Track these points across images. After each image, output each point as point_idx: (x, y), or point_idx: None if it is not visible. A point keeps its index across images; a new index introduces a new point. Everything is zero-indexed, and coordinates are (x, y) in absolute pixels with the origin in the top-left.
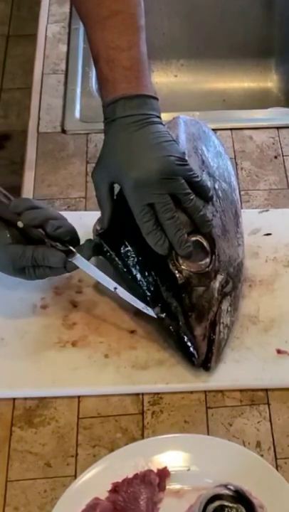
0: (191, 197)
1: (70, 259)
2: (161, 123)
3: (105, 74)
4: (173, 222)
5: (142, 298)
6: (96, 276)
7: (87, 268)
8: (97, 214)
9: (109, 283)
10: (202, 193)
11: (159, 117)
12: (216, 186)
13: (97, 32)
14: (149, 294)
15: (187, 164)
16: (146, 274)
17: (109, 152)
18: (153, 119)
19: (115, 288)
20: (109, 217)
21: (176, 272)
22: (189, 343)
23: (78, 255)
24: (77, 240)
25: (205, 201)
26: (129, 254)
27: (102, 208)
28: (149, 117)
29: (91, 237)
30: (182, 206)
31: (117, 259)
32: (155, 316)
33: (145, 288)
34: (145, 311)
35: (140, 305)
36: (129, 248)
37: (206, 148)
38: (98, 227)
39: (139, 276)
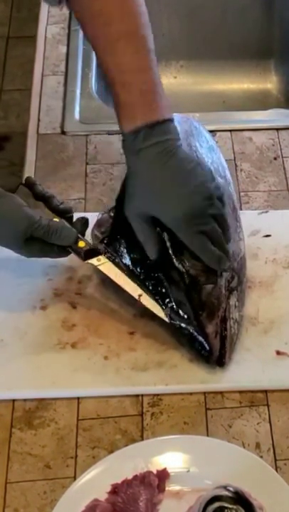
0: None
1: (96, 265)
2: (181, 145)
3: (122, 98)
4: (222, 240)
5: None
6: (120, 281)
7: (113, 273)
8: (96, 215)
9: (135, 289)
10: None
11: (179, 139)
12: None
13: (109, 55)
14: (158, 296)
15: (217, 185)
16: (154, 276)
17: (142, 187)
18: (177, 143)
19: (140, 295)
20: (157, 249)
21: (184, 271)
22: (203, 342)
23: (107, 260)
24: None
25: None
26: (135, 258)
27: (146, 242)
28: (173, 142)
29: (89, 240)
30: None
31: (122, 264)
32: (182, 325)
33: (154, 291)
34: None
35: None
36: (135, 252)
37: (200, 144)
38: (97, 233)
39: (147, 279)
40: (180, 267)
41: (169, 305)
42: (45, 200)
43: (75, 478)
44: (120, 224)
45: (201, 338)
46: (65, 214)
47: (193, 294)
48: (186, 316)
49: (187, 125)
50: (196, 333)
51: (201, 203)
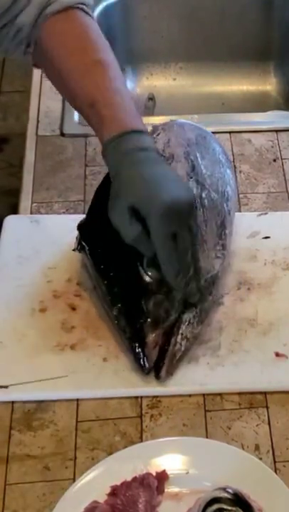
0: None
1: None
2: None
3: (105, 114)
4: (190, 256)
5: (108, 296)
6: None
7: None
8: None
9: None
10: None
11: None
12: (204, 195)
13: (86, 78)
14: (111, 295)
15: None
16: (116, 272)
17: (130, 181)
18: (161, 158)
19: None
20: (153, 254)
21: (141, 276)
22: (139, 349)
23: None
24: None
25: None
26: (104, 250)
27: (141, 246)
28: (159, 155)
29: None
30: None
31: (89, 255)
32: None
33: (111, 286)
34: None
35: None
36: (105, 244)
37: (202, 155)
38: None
39: (110, 273)
40: (140, 270)
41: (117, 306)
42: None
43: (74, 480)
44: (95, 215)
45: (138, 346)
46: None
47: (142, 301)
48: (132, 321)
49: (193, 134)
50: (135, 339)
51: (189, 200)
